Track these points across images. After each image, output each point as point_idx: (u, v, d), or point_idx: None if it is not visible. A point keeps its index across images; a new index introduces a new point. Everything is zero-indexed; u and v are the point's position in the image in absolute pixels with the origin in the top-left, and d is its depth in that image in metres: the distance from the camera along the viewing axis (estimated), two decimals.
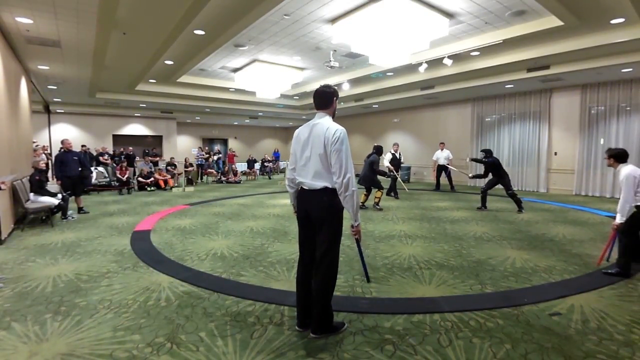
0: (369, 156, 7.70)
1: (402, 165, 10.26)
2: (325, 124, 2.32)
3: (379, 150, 7.82)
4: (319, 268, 2.36)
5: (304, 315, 2.49)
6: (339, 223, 2.37)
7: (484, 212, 7.22)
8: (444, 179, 11.08)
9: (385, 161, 9.33)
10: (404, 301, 3.05)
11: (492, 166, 7.31)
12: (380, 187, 7.63)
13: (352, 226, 2.40)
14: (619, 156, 3.79)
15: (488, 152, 7.53)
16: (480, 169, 8.86)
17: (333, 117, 2.42)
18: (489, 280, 3.48)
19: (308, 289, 2.47)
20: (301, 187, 2.42)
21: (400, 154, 9.72)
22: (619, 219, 3.62)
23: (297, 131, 2.46)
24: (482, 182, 8.95)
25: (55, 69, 8.53)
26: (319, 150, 2.28)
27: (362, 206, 7.69)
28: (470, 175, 8.48)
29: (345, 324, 2.59)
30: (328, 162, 2.27)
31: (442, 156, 10.92)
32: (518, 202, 7.16)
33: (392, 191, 9.40)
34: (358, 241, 2.54)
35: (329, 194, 2.30)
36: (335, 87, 2.52)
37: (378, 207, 7.62)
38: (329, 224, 2.32)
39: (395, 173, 9.28)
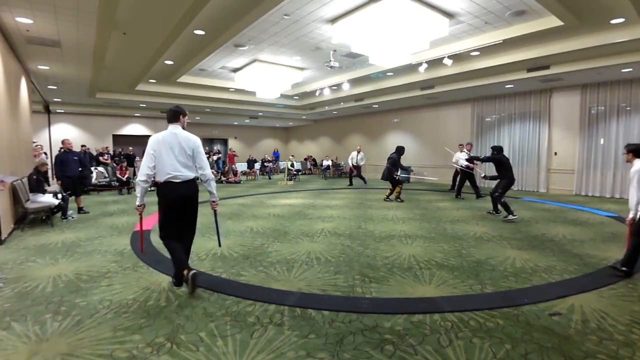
0: (390, 156, 8.73)
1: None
2: (185, 133, 3.19)
3: (399, 151, 8.65)
4: (190, 235, 3.32)
5: (181, 275, 3.14)
6: (198, 203, 3.31)
7: (484, 212, 7.20)
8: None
9: (462, 161, 9.01)
10: (404, 301, 3.05)
11: (494, 163, 6.76)
12: (397, 183, 8.65)
13: (213, 201, 3.37)
14: (638, 151, 3.76)
15: (494, 149, 6.83)
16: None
17: (183, 128, 3.24)
18: (489, 280, 3.48)
19: (182, 252, 3.19)
20: (171, 181, 3.08)
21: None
22: (632, 215, 3.62)
23: (160, 137, 3.11)
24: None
25: (55, 69, 8.53)
26: (188, 152, 3.13)
27: (387, 199, 8.87)
28: (482, 175, 7.89)
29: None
30: (192, 160, 3.16)
31: (462, 157, 10.77)
32: (505, 207, 6.30)
33: (460, 191, 9.35)
34: (215, 212, 3.48)
35: (196, 181, 3.25)
36: (184, 108, 3.30)
37: (399, 200, 8.63)
38: (195, 203, 3.26)
39: (472, 171, 9.04)
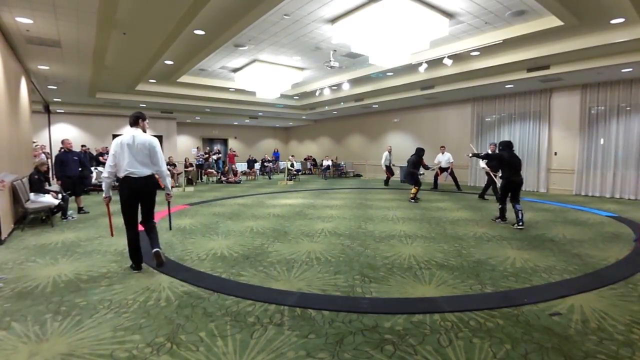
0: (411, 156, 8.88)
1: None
2: (143, 135, 3.68)
3: (419, 153, 8.73)
4: (150, 220, 3.80)
5: (138, 261, 3.80)
6: (155, 194, 3.80)
7: (484, 213, 7.19)
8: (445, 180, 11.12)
9: (482, 163, 8.31)
10: (404, 301, 3.05)
11: (497, 160, 6.14)
12: (417, 184, 8.66)
13: (168, 194, 3.99)
14: None
15: (499, 145, 6.19)
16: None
17: (144, 131, 3.76)
18: (489, 280, 3.48)
19: (138, 244, 3.77)
20: (128, 176, 3.57)
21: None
22: None
23: (120, 140, 3.60)
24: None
25: (55, 69, 8.53)
26: (145, 152, 3.62)
27: (415, 199, 8.69)
28: (500, 175, 7.30)
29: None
30: (150, 158, 3.64)
31: (443, 159, 10.91)
32: (500, 211, 6.10)
33: (496, 194, 8.13)
34: (169, 202, 4.16)
35: (153, 177, 3.72)
36: (144, 114, 3.83)
37: (413, 200, 8.60)
38: (152, 195, 3.76)
39: (492, 175, 8.23)
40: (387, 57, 6.95)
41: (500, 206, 6.13)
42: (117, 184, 3.78)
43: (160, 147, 3.76)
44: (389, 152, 12.78)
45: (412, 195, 8.66)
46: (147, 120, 3.85)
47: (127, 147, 3.58)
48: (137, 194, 3.66)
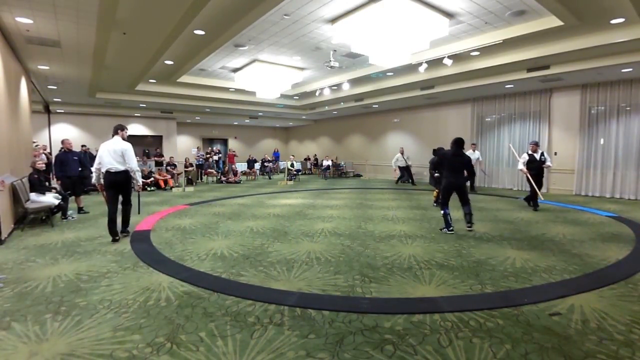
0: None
1: (548, 167, 7.70)
2: (120, 143, 5.01)
3: (436, 153, 8.22)
4: (127, 206, 5.26)
5: (114, 233, 5.01)
6: (131, 185, 5.19)
7: (484, 213, 7.19)
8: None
9: (520, 164, 7.54)
10: (404, 301, 3.05)
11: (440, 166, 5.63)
12: (436, 186, 7.95)
13: (138, 185, 5.28)
14: None
15: (454, 142, 5.68)
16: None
17: (123, 139, 5.09)
18: (489, 280, 3.48)
19: (115, 218, 4.99)
20: (108, 171, 4.90)
21: (543, 154, 7.52)
22: None
23: (104, 145, 4.97)
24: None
25: (55, 69, 8.53)
26: (119, 153, 4.94)
27: (437, 204, 7.92)
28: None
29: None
30: (123, 158, 4.94)
31: (473, 157, 10.69)
32: (445, 218, 5.43)
33: (531, 200, 7.73)
34: (139, 192, 5.50)
35: (126, 172, 5.01)
36: (123, 125, 5.25)
37: (436, 205, 8.00)
38: (127, 186, 5.13)
39: (530, 178, 7.41)
40: (387, 57, 6.94)
41: (442, 212, 5.48)
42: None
43: (131, 151, 5.03)
44: (401, 154, 13.12)
45: (434, 199, 8.07)
46: (125, 130, 5.18)
47: (107, 151, 4.93)
48: (115, 183, 4.97)
